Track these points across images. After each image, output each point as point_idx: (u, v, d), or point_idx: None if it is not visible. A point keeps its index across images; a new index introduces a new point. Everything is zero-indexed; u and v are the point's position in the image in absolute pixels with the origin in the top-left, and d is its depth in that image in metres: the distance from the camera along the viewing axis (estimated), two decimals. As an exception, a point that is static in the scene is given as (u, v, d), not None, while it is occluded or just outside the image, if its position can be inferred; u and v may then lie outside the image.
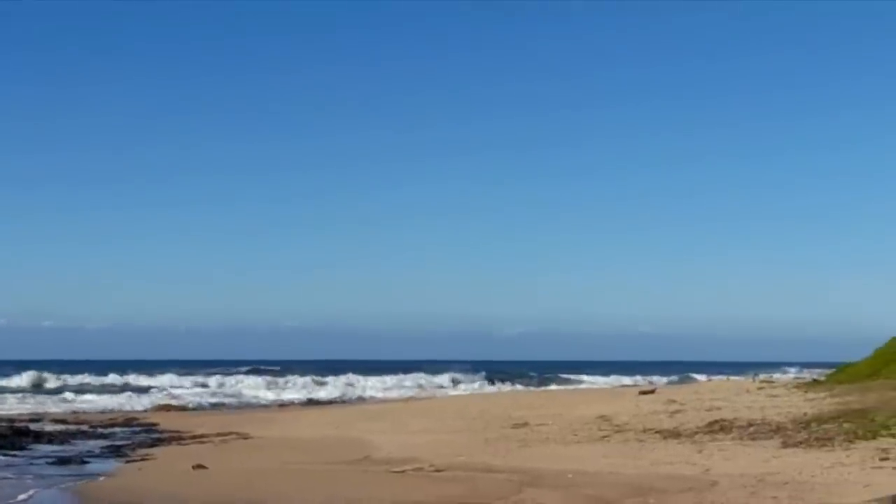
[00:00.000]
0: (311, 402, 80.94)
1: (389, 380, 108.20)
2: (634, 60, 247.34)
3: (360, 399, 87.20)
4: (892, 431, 32.62)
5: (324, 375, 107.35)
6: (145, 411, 66.69)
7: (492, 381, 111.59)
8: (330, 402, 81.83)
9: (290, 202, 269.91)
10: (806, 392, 56.73)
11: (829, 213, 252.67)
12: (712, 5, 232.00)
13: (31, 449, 41.52)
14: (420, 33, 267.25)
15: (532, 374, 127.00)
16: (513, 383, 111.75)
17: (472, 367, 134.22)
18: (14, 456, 38.97)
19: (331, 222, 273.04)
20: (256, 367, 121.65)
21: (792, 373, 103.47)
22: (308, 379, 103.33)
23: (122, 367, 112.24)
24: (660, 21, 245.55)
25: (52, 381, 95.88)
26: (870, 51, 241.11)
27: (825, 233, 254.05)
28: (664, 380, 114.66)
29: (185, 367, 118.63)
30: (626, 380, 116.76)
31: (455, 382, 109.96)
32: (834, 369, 75.76)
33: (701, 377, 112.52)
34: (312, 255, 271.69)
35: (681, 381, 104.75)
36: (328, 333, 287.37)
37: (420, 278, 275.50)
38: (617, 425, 43.23)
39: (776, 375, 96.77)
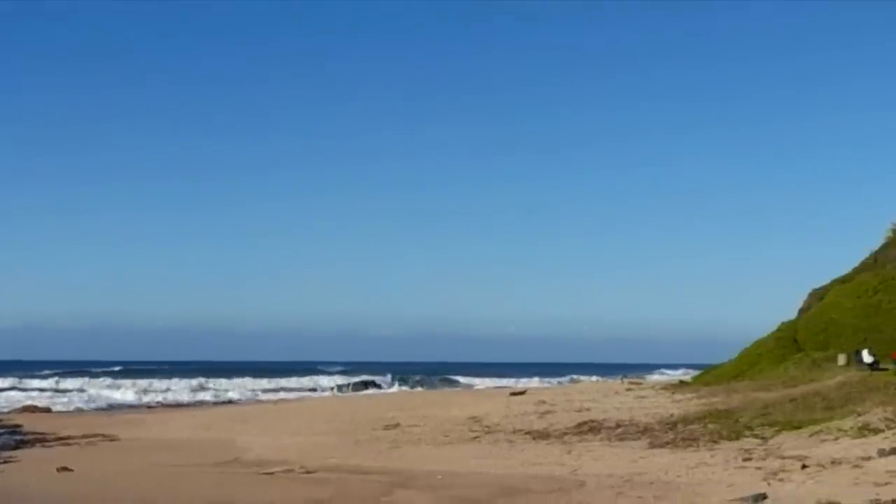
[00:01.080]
0: (182, 404, 79.73)
1: (263, 382, 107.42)
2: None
3: (231, 401, 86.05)
4: (756, 432, 33.25)
5: (195, 377, 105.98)
6: (8, 413, 65.12)
7: (366, 385, 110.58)
8: (201, 404, 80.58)
9: (164, 204, 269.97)
10: (673, 393, 57.57)
11: (698, 222, 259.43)
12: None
13: None
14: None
15: (416, 376, 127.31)
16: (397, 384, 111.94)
17: (345, 368, 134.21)
18: None
19: (211, 226, 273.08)
20: (127, 368, 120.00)
21: (676, 374, 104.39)
22: (180, 381, 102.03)
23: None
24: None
25: None
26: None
27: (697, 240, 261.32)
28: (548, 381, 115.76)
29: (52, 367, 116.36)
30: (506, 382, 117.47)
31: (331, 385, 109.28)
32: (701, 370, 77.29)
33: (586, 378, 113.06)
34: (188, 256, 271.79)
35: (570, 384, 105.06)
36: (204, 335, 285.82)
37: (295, 280, 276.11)
38: (488, 426, 43.39)
39: (654, 377, 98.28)
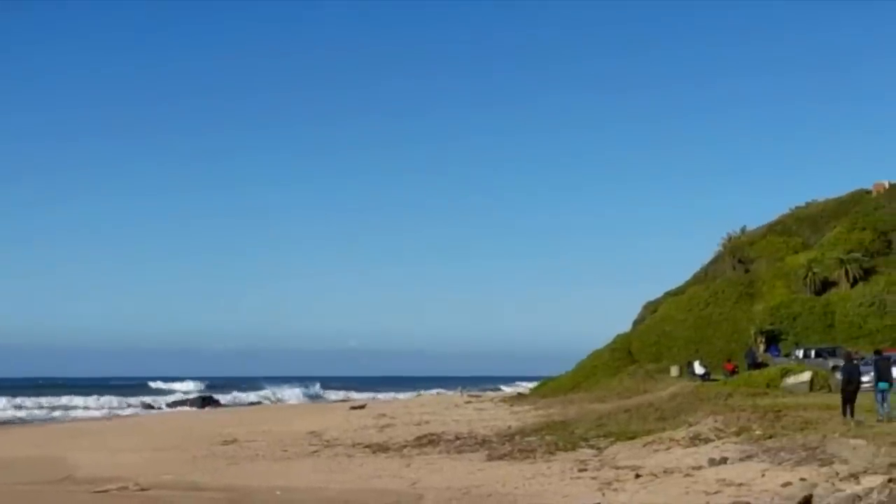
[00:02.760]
0: (7, 421, 77.42)
1: (100, 399, 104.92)
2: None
3: (66, 417, 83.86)
4: (591, 443, 33.73)
5: (22, 394, 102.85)
6: None
7: (205, 401, 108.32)
8: (29, 421, 78.32)
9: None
10: (511, 406, 58.24)
11: (531, 238, 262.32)
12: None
13: None
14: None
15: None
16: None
17: (181, 383, 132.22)
18: None
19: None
20: None
21: (517, 387, 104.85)
22: (4, 398, 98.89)
23: None
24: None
25: None
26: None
27: (537, 256, 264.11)
28: (391, 395, 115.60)
29: None
30: (351, 395, 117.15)
31: (168, 401, 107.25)
32: (539, 381, 78.23)
33: (428, 392, 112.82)
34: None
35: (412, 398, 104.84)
36: (30, 350, 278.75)
37: (129, 292, 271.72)
38: (327, 440, 43.27)
39: (507, 389, 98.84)
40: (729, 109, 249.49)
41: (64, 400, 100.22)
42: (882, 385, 30.50)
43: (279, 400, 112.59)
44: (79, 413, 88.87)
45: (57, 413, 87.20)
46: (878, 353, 34.56)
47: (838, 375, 33.85)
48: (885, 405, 30.03)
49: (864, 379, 39.83)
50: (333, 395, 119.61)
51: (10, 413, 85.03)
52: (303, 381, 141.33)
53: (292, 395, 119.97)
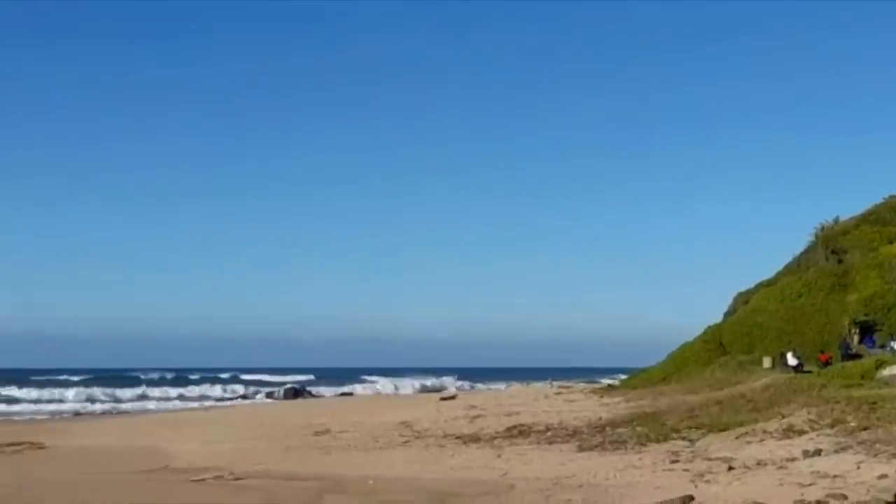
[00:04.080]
0: (110, 412, 78.87)
1: (194, 388, 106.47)
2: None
3: (160, 408, 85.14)
4: (683, 434, 33.51)
5: (118, 385, 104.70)
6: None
7: (297, 392, 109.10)
8: (128, 412, 79.69)
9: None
10: (601, 397, 57.95)
11: (628, 227, 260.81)
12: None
13: None
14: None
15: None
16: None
17: (269, 374, 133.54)
18: None
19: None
20: (49, 379, 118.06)
21: (605, 378, 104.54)
22: (104, 389, 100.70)
23: None
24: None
25: None
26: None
27: (625, 245, 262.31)
28: (478, 386, 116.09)
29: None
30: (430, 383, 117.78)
31: (258, 392, 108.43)
32: (630, 373, 77.80)
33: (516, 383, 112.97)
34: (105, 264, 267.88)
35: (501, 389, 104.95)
36: (122, 342, 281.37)
37: (215, 287, 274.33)
38: (418, 431, 43.40)
39: (600, 380, 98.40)
40: (821, 100, 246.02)
41: (157, 391, 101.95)
42: None
43: (375, 391, 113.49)
44: (171, 404, 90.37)
45: (151, 405, 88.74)
46: None
47: None
48: None
49: None
50: (421, 385, 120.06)
51: (110, 405, 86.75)
52: (394, 371, 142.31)
53: (385, 385, 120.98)
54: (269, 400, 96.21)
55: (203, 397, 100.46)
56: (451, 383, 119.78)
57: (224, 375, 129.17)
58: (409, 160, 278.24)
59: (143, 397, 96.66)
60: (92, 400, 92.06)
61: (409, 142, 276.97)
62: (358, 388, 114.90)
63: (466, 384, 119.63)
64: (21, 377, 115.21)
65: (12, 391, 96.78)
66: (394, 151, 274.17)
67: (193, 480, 30.39)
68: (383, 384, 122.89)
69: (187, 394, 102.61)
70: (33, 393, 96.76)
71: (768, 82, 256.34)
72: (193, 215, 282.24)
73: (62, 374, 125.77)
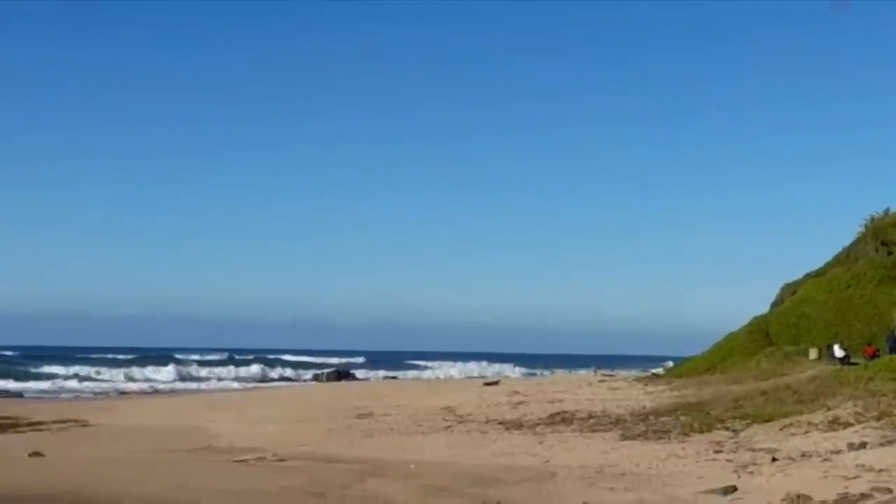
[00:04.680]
0: (154, 391, 79.52)
1: (231, 371, 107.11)
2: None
3: (205, 388, 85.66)
4: (727, 425, 33.37)
5: (164, 364, 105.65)
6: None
7: (340, 375, 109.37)
8: (171, 391, 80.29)
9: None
10: (645, 385, 57.79)
11: (675, 218, 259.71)
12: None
13: None
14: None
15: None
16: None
17: (309, 356, 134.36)
18: None
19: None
20: (97, 357, 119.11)
21: (650, 367, 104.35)
22: (146, 368, 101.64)
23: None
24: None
25: None
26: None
27: (672, 235, 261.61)
28: (522, 371, 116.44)
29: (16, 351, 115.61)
30: (477, 369, 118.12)
31: (300, 375, 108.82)
32: (674, 362, 77.62)
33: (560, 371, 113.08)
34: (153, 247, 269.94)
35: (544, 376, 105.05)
36: (169, 322, 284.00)
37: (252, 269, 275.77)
38: (460, 416, 43.48)
39: (644, 369, 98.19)
40: (872, 92, 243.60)
41: (204, 371, 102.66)
42: None
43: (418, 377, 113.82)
44: (216, 384, 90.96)
45: (195, 385, 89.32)
46: None
47: None
48: None
49: None
50: (461, 370, 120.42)
51: (151, 384, 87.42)
52: (432, 355, 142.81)
53: (429, 369, 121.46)
54: (313, 382, 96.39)
55: (248, 378, 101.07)
56: (508, 370, 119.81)
57: (270, 357, 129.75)
58: (444, 147, 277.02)
59: (189, 377, 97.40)
60: (135, 379, 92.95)
61: (455, 132, 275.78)
62: (410, 374, 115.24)
63: (523, 370, 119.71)
64: (67, 355, 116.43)
65: (57, 369, 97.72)
66: (443, 141, 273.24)
67: (236, 461, 30.62)
68: (438, 368, 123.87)
69: (233, 374, 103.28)
70: (79, 371, 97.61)
71: (817, 76, 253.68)
72: (239, 201, 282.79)
73: (108, 353, 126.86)
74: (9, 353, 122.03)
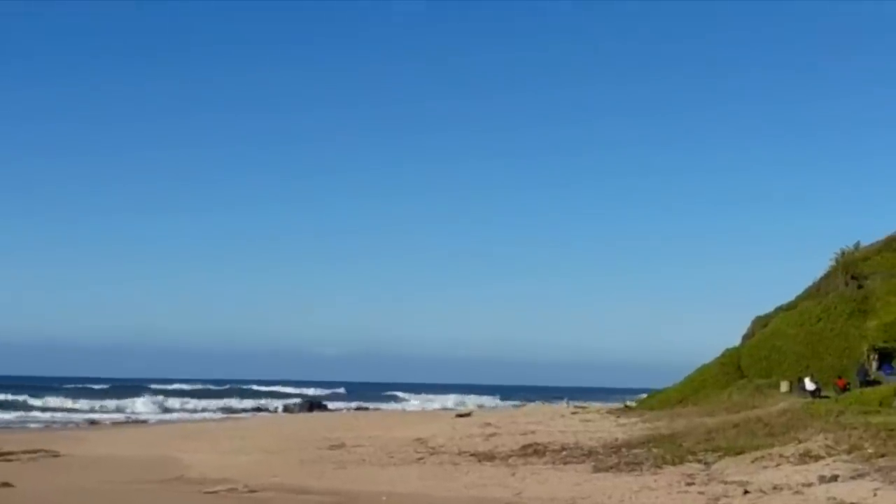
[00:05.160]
0: (123, 422, 78.95)
1: (204, 402, 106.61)
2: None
3: (176, 419, 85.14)
4: (699, 457, 33.40)
5: (136, 395, 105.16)
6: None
7: (312, 405, 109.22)
8: (143, 422, 79.68)
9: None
10: (618, 417, 57.84)
11: (645, 250, 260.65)
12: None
13: None
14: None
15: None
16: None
17: (287, 387, 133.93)
18: None
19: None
20: (65, 387, 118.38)
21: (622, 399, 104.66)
22: (118, 400, 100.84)
23: None
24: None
25: None
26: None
27: (642, 268, 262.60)
28: (495, 401, 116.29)
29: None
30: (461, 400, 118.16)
31: (275, 405, 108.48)
32: (646, 394, 77.61)
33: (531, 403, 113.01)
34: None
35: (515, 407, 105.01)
36: (145, 351, 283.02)
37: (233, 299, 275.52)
38: (432, 447, 43.34)
39: (618, 400, 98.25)
40: (842, 124, 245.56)
41: (172, 402, 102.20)
42: None
43: (390, 406, 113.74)
44: (189, 416, 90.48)
45: (167, 415, 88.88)
46: None
47: None
48: None
49: None
50: (440, 402, 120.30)
51: (123, 415, 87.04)
52: (412, 387, 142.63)
53: (408, 401, 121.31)
54: (284, 413, 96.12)
55: (222, 409, 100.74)
56: (488, 401, 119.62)
57: (244, 387, 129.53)
58: (436, 177, 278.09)
59: (163, 408, 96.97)
60: (107, 410, 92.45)
61: (431, 159, 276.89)
62: (391, 405, 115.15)
63: (501, 402, 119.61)
64: (38, 384, 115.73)
65: (27, 399, 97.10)
66: (423, 167, 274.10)
67: (207, 492, 30.43)
68: (417, 399, 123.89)
69: (206, 405, 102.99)
70: (49, 401, 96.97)
71: (789, 108, 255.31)
72: (217, 228, 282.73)
73: (79, 384, 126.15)
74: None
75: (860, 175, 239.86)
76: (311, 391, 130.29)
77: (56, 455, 44.14)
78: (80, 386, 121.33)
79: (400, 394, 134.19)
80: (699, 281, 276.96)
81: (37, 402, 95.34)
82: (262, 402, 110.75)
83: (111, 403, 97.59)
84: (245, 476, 33.82)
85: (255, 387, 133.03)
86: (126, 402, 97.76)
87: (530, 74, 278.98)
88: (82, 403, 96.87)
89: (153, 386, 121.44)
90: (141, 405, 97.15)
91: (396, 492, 29.44)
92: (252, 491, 30.45)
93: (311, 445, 45.30)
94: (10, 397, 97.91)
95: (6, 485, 32.08)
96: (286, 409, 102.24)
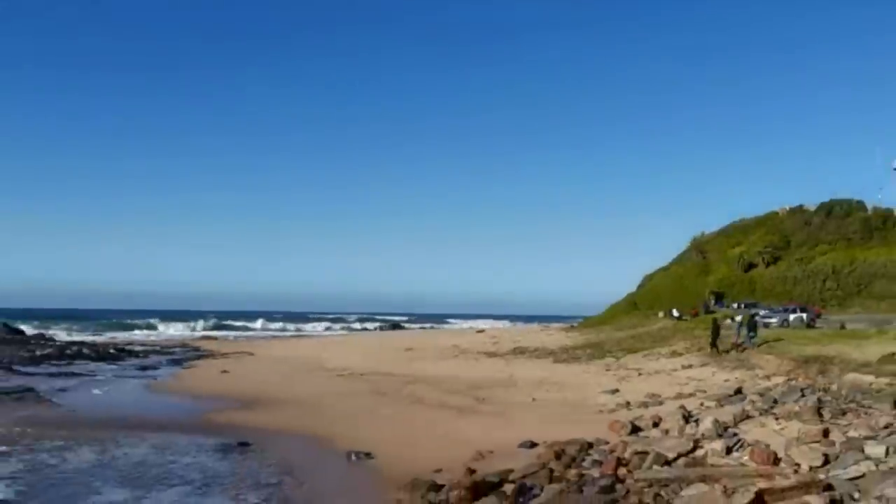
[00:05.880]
0: (286, 336, 79.44)
1: (325, 324, 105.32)
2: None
3: (309, 335, 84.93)
4: (613, 354, 33.44)
5: (281, 320, 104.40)
6: (194, 339, 65.10)
7: (394, 326, 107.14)
8: (293, 337, 79.94)
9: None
10: (567, 332, 57.86)
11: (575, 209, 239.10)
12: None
13: (125, 360, 40.42)
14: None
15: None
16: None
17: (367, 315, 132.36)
18: (117, 364, 37.99)
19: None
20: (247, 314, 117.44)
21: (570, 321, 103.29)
22: (274, 323, 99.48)
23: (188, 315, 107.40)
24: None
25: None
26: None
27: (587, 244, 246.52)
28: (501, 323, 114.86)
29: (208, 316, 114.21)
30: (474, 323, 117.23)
31: (367, 326, 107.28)
32: (583, 319, 77.60)
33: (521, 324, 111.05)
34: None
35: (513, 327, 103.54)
36: (285, 294, 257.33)
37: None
38: (462, 350, 43.63)
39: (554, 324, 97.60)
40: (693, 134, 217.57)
41: (319, 326, 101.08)
42: (750, 333, 29.05)
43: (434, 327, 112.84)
44: (317, 332, 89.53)
45: (303, 332, 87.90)
46: (752, 313, 32.69)
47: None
48: (752, 341, 28.55)
49: (773, 321, 38.83)
50: (468, 324, 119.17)
51: (285, 332, 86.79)
52: (455, 315, 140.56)
53: (453, 324, 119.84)
54: (377, 331, 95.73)
55: (340, 328, 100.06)
56: (501, 324, 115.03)
57: (348, 315, 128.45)
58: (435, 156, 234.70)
59: (307, 328, 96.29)
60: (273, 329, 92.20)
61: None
62: (444, 326, 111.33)
63: (511, 324, 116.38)
64: (230, 317, 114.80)
65: (246, 324, 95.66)
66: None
67: (338, 375, 30.80)
68: (457, 323, 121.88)
69: (333, 326, 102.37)
70: (246, 324, 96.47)
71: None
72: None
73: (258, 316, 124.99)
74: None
75: (706, 181, 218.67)
76: (394, 318, 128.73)
77: (251, 354, 44.77)
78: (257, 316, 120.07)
79: (450, 320, 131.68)
80: (618, 253, 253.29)
81: (237, 324, 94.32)
82: (364, 324, 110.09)
83: (279, 325, 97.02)
84: (358, 366, 34.20)
85: (348, 315, 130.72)
86: (290, 325, 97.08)
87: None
88: (261, 324, 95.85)
89: (308, 314, 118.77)
90: (301, 327, 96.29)
91: (441, 374, 29.67)
92: (362, 374, 30.79)
93: (394, 350, 45.61)
94: (235, 322, 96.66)
95: (225, 371, 32.72)
96: (379, 328, 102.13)
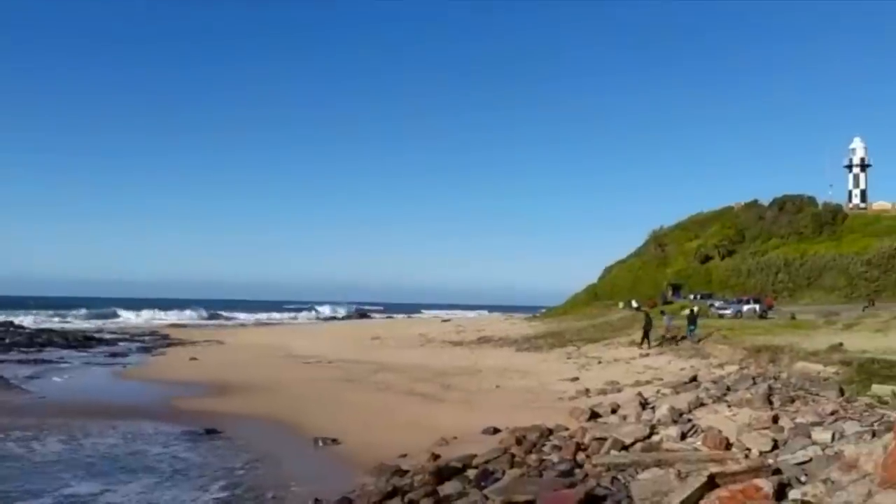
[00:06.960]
0: (257, 324, 78.84)
1: (291, 313, 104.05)
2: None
3: (280, 323, 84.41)
4: (574, 343, 33.59)
5: (259, 311, 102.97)
6: (163, 327, 64.31)
7: (361, 315, 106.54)
8: (263, 324, 79.40)
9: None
10: (529, 322, 58.16)
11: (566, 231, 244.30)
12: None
13: (94, 348, 39.82)
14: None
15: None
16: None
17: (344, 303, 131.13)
18: (85, 351, 37.41)
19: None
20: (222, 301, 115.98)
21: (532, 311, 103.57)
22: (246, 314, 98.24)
23: (146, 304, 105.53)
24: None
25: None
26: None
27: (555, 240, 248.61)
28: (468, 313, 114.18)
29: (181, 305, 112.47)
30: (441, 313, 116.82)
31: (337, 314, 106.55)
32: (546, 309, 78.11)
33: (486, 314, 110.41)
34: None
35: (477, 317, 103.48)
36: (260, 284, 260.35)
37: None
38: (429, 339, 43.64)
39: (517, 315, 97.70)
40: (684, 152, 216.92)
41: (276, 315, 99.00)
42: (691, 327, 29.39)
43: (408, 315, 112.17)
44: (285, 320, 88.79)
45: (274, 321, 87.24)
46: (693, 308, 33.02)
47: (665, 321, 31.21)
48: (693, 335, 28.87)
49: (727, 312, 39.28)
50: (434, 313, 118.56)
51: (253, 319, 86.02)
52: (426, 306, 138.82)
53: (422, 314, 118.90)
54: (344, 320, 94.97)
55: (305, 316, 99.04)
56: (471, 314, 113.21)
57: (318, 303, 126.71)
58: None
59: (276, 317, 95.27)
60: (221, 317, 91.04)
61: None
62: (413, 316, 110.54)
63: (485, 313, 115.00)
64: (205, 306, 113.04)
65: (202, 312, 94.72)
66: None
67: (305, 362, 30.66)
68: (427, 312, 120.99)
69: (301, 316, 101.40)
70: (216, 313, 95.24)
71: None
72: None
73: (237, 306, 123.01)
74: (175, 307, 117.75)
75: (666, 176, 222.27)
76: (368, 308, 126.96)
77: (221, 342, 44.39)
78: (237, 304, 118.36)
79: (423, 310, 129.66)
80: (579, 245, 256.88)
81: (208, 314, 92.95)
82: (330, 312, 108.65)
83: (253, 315, 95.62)
84: (325, 353, 34.08)
85: (320, 304, 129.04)
86: (262, 315, 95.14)
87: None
88: (235, 315, 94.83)
89: (280, 303, 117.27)
90: (269, 316, 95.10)
91: (408, 363, 29.64)
92: (330, 362, 30.71)
93: (362, 338, 45.52)
94: (213, 311, 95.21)
95: (194, 358, 32.40)
96: (346, 316, 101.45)
